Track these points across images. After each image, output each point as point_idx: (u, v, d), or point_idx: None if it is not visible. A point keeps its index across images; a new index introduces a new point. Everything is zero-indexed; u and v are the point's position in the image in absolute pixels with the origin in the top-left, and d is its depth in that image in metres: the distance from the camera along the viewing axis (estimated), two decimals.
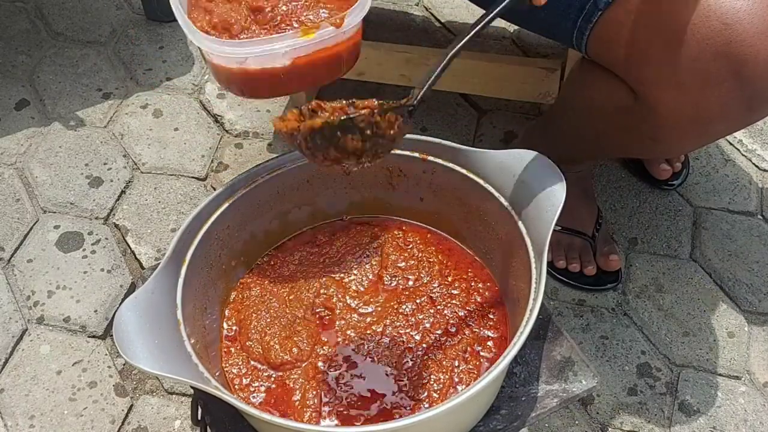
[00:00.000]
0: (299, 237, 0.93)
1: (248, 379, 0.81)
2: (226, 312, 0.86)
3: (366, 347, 0.82)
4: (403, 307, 0.85)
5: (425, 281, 0.87)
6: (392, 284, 0.88)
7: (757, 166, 1.33)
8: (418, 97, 0.70)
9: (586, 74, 1.00)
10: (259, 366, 0.82)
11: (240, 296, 0.87)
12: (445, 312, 0.85)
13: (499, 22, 1.54)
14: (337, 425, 0.77)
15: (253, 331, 0.83)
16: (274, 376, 0.81)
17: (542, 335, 0.84)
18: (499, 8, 0.71)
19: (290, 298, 0.87)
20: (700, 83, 0.83)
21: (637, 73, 0.89)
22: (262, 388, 0.80)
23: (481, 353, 0.82)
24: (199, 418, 0.86)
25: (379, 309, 0.85)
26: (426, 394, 0.79)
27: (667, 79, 0.84)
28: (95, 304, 1.16)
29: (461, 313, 0.85)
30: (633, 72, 0.89)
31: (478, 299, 0.86)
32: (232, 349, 0.83)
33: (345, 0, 0.79)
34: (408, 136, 0.88)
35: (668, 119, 0.88)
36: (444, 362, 0.81)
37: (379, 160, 0.68)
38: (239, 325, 0.85)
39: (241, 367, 0.82)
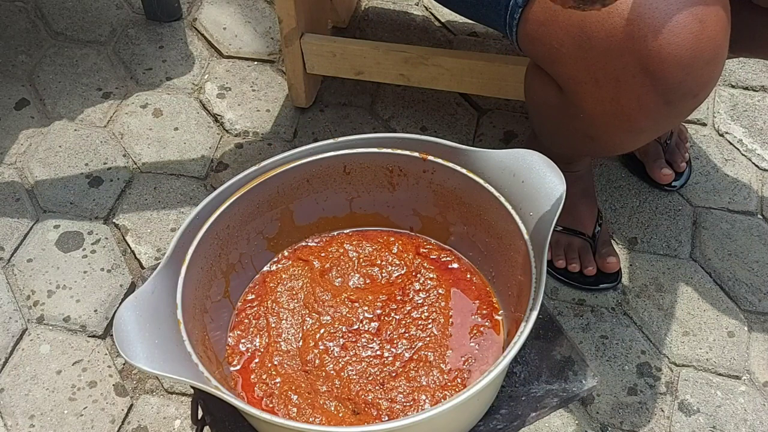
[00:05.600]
0: (300, 238, 0.93)
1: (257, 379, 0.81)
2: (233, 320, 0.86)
3: (359, 347, 0.83)
4: (395, 314, 0.85)
5: (417, 288, 0.87)
6: (386, 288, 0.88)
7: (757, 166, 1.33)
8: None
9: (529, 76, 1.01)
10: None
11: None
12: (439, 317, 0.85)
13: None
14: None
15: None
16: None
17: (542, 335, 0.84)
18: None
19: (292, 302, 0.87)
20: (613, 78, 0.83)
21: (557, 69, 0.89)
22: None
23: (479, 353, 0.82)
24: (199, 417, 0.86)
25: (377, 311, 0.86)
26: (419, 394, 0.79)
27: (583, 75, 0.84)
28: (95, 304, 1.16)
29: (456, 316, 0.85)
30: (554, 68, 0.89)
31: (473, 302, 0.86)
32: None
33: None
34: (408, 135, 0.89)
35: (592, 114, 0.88)
36: (440, 364, 0.81)
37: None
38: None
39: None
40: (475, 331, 0.83)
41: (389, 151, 0.88)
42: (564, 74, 0.89)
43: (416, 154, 0.87)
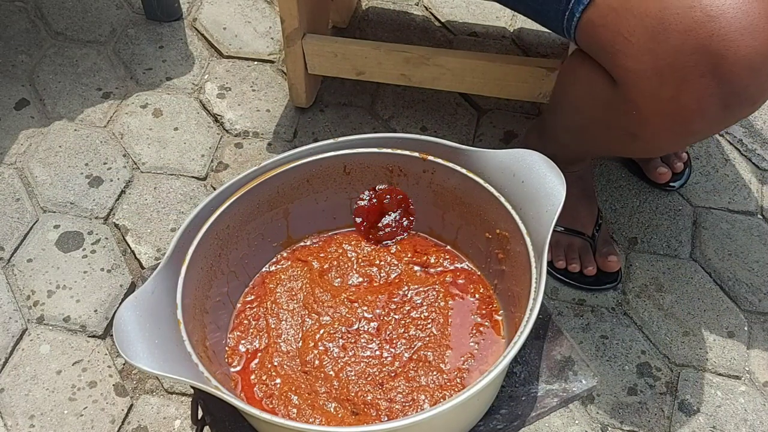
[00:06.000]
0: (299, 238, 0.93)
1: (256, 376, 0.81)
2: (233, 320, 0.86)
3: (358, 347, 0.83)
4: (394, 314, 0.85)
5: (417, 287, 0.87)
6: (385, 288, 0.88)
7: (757, 166, 1.33)
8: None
9: (572, 68, 0.99)
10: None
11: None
12: (439, 317, 0.85)
13: (500, 22, 1.54)
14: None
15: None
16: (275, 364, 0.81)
17: (542, 335, 0.84)
18: None
19: (292, 303, 0.87)
20: (680, 76, 0.81)
21: (620, 60, 0.87)
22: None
23: (479, 353, 0.82)
24: (199, 417, 0.86)
25: (377, 311, 0.85)
26: (418, 394, 0.79)
27: (647, 68, 0.83)
28: (95, 304, 1.16)
29: (456, 316, 0.85)
30: (616, 59, 0.88)
31: (473, 302, 0.86)
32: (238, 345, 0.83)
33: None
34: (408, 135, 0.89)
35: (646, 111, 0.87)
36: (440, 364, 0.81)
37: None
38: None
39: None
40: (474, 331, 0.83)
41: (389, 151, 0.88)
42: (626, 66, 0.86)
43: (416, 154, 0.87)
